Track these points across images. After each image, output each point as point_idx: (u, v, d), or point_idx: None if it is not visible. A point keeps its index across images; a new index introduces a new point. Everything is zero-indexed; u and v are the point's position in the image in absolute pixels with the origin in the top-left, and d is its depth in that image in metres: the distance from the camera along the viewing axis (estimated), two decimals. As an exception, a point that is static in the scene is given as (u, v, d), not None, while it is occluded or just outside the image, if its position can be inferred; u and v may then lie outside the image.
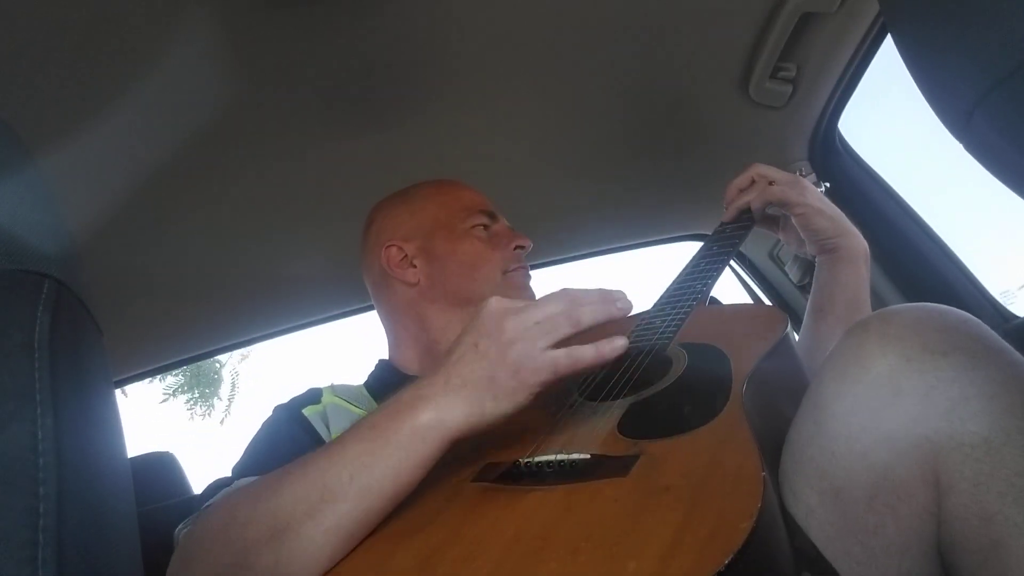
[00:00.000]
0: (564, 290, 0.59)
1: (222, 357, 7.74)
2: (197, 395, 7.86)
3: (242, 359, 8.13)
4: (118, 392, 1.62)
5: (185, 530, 0.64)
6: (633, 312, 0.62)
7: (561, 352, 0.56)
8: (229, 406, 7.99)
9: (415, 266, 0.96)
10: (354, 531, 0.54)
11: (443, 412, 0.56)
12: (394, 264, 0.97)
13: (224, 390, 8.10)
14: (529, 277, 0.99)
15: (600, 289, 0.60)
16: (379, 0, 0.91)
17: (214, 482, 0.73)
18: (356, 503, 0.54)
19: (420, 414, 0.56)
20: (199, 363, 7.22)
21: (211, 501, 0.67)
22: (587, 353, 0.57)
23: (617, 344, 0.57)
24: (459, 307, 0.94)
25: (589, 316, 0.58)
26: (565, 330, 0.57)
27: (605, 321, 0.59)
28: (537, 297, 0.97)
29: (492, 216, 1.00)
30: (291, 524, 0.53)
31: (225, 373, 8.09)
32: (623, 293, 0.60)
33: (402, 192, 1.04)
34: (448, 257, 0.95)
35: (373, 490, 0.54)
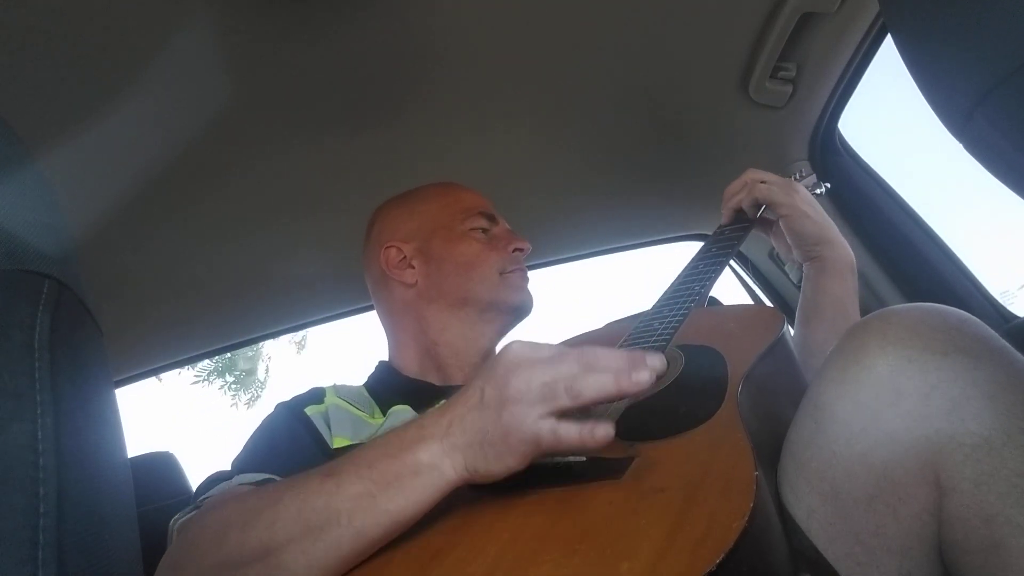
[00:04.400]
0: (587, 350, 0.54)
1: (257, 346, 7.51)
2: (231, 380, 7.64)
3: (299, 350, 7.81)
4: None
5: (182, 520, 0.64)
6: (632, 313, 0.61)
7: (547, 428, 0.51)
8: (259, 394, 7.76)
9: (413, 267, 0.97)
10: (346, 565, 0.53)
11: (441, 459, 0.54)
12: (392, 265, 0.97)
13: (261, 374, 7.90)
14: (527, 279, 0.99)
15: (629, 355, 0.53)
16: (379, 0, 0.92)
17: (212, 475, 0.72)
18: (351, 543, 0.53)
19: (421, 454, 0.54)
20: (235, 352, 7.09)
21: (208, 494, 0.67)
22: (571, 436, 0.51)
23: (599, 435, 0.51)
24: (457, 308, 0.94)
25: (592, 391, 0.51)
26: (563, 402, 0.51)
27: (611, 399, 0.53)
28: (533, 297, 0.97)
29: (492, 219, 1.01)
30: (282, 555, 0.53)
31: (260, 364, 7.88)
32: (658, 359, 0.52)
33: (405, 194, 1.05)
34: (445, 258, 0.95)
35: (368, 531, 0.53)
